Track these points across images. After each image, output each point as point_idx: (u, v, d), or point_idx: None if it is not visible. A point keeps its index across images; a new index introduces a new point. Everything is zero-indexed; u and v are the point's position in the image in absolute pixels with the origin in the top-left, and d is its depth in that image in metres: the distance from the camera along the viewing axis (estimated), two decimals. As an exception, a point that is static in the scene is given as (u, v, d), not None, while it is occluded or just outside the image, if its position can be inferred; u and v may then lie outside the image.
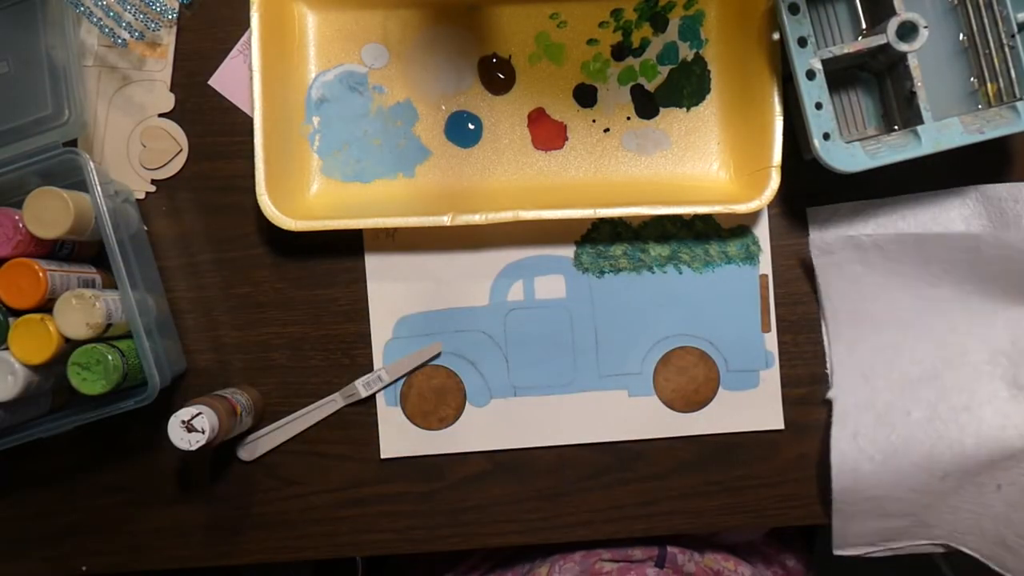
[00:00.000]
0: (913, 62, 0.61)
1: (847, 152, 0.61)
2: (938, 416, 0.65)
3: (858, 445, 0.66)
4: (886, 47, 0.61)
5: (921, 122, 0.61)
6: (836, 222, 0.69)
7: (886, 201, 0.69)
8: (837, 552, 0.69)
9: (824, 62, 0.61)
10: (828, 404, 0.68)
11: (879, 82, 0.67)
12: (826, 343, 0.68)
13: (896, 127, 0.66)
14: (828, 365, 0.68)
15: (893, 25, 0.61)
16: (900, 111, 0.65)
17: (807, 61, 0.61)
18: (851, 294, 0.67)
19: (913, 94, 0.62)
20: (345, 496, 0.70)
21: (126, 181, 0.69)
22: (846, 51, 0.61)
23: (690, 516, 0.71)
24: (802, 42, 0.61)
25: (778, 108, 0.64)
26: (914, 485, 0.66)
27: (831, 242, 0.66)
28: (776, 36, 0.64)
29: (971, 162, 0.68)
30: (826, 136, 0.61)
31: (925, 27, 0.60)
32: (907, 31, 0.61)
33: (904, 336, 0.66)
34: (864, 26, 0.66)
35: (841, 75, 0.67)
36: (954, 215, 0.69)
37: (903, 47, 0.61)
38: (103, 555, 0.71)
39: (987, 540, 0.67)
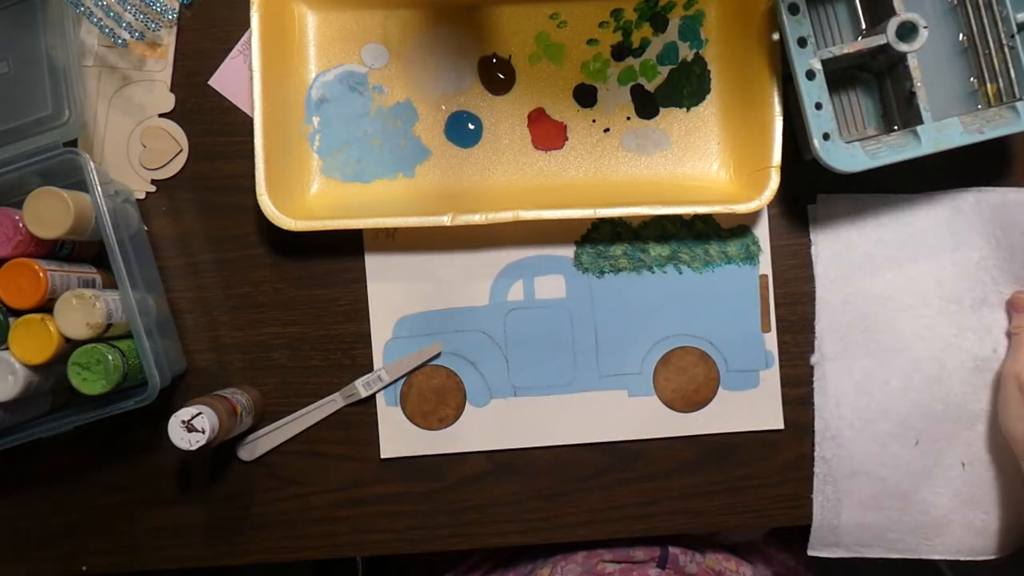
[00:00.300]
0: (913, 62, 0.61)
1: (847, 152, 0.61)
2: (913, 386, 0.69)
3: (840, 413, 0.69)
4: (886, 47, 0.61)
5: (921, 122, 0.61)
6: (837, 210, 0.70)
7: (889, 197, 0.69)
8: (812, 553, 0.71)
9: (824, 62, 0.61)
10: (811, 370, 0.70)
11: (879, 82, 0.67)
12: (817, 310, 0.70)
13: (896, 127, 0.66)
14: (815, 331, 0.69)
15: (893, 25, 0.61)
16: (900, 111, 0.65)
17: (807, 61, 0.61)
18: (842, 259, 0.69)
19: (913, 94, 0.62)
20: (345, 496, 0.70)
21: (126, 181, 0.69)
22: (846, 51, 0.61)
23: (690, 516, 0.71)
24: (802, 42, 0.61)
25: (778, 108, 0.64)
26: (888, 458, 0.69)
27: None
28: (776, 36, 0.64)
29: (971, 164, 0.68)
30: (826, 136, 0.61)
31: (925, 27, 0.60)
32: (907, 31, 0.61)
33: (883, 307, 0.69)
34: (864, 26, 0.66)
35: (841, 75, 0.67)
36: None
37: (903, 47, 0.61)
38: (103, 555, 0.71)
39: (956, 534, 0.69)
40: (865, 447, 0.69)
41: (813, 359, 0.69)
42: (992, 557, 0.70)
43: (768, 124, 0.65)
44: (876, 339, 0.68)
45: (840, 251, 0.69)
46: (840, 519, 0.69)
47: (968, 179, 0.69)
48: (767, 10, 0.64)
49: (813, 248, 0.69)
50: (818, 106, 0.61)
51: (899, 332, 0.68)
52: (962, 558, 0.70)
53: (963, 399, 0.68)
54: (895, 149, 0.61)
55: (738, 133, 0.68)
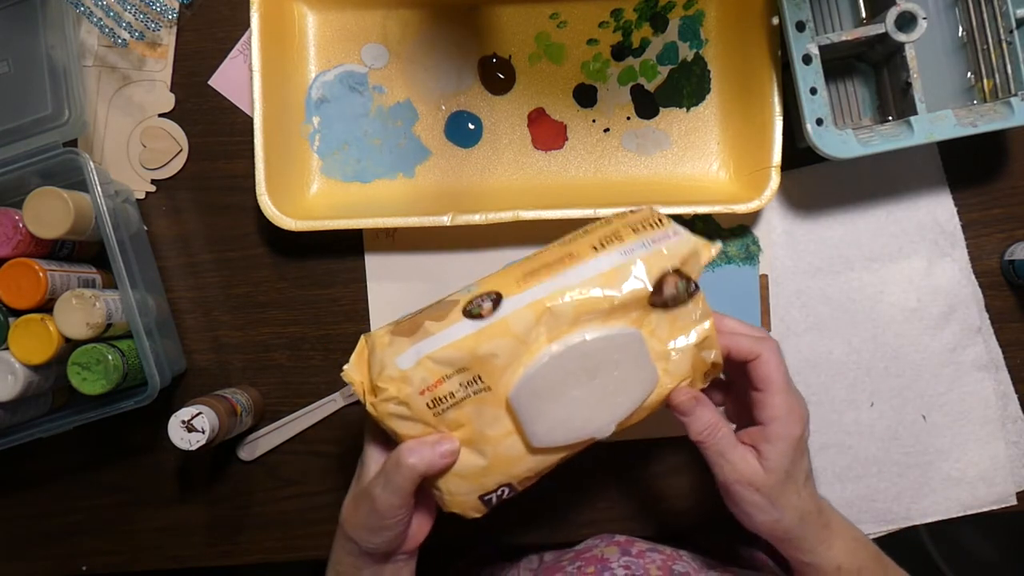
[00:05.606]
0: (910, 52, 0.62)
1: (839, 138, 0.61)
2: (853, 349, 0.70)
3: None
4: (884, 37, 0.61)
5: (915, 113, 0.61)
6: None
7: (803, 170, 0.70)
8: None
9: (822, 48, 0.61)
10: None
11: (876, 74, 0.67)
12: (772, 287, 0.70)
13: (891, 118, 0.65)
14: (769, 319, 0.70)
15: (892, 15, 0.61)
16: (895, 102, 0.65)
17: (804, 45, 0.61)
18: (769, 241, 0.70)
19: (909, 85, 0.62)
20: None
21: (126, 181, 0.69)
22: (844, 38, 0.62)
23: (691, 516, 0.71)
24: (800, 26, 0.61)
25: (778, 108, 0.64)
26: (849, 426, 0.70)
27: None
28: (775, 21, 0.64)
29: (967, 164, 0.68)
30: (819, 122, 0.61)
31: (924, 18, 0.61)
32: (906, 21, 0.61)
33: (812, 279, 0.70)
34: (864, 15, 0.66)
35: (839, 65, 0.67)
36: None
37: (901, 37, 0.61)
38: (103, 555, 0.71)
39: (938, 491, 0.70)
40: (825, 419, 0.70)
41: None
42: (982, 510, 0.70)
43: (768, 124, 0.65)
44: (813, 312, 0.70)
45: (765, 234, 0.70)
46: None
47: (962, 181, 0.69)
48: (767, 1, 0.64)
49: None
50: (813, 91, 0.61)
51: (832, 300, 0.70)
52: (953, 515, 0.70)
53: (901, 352, 0.70)
54: (888, 138, 0.61)
55: (738, 133, 0.68)
